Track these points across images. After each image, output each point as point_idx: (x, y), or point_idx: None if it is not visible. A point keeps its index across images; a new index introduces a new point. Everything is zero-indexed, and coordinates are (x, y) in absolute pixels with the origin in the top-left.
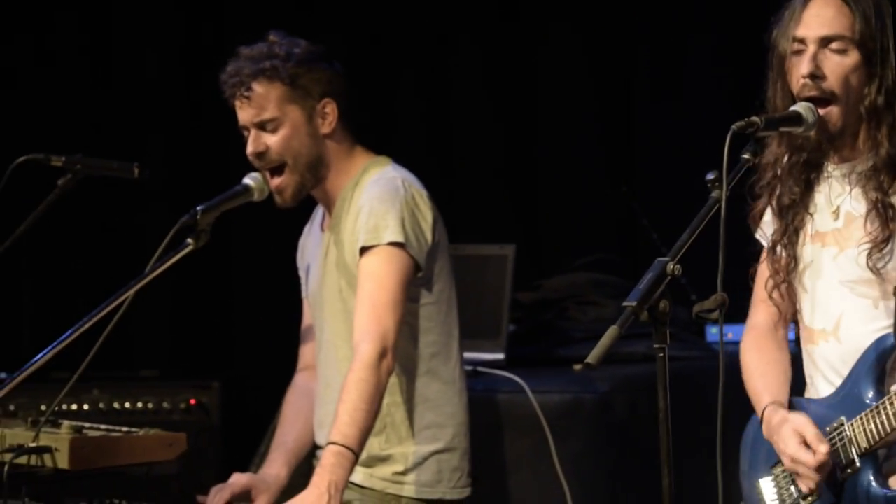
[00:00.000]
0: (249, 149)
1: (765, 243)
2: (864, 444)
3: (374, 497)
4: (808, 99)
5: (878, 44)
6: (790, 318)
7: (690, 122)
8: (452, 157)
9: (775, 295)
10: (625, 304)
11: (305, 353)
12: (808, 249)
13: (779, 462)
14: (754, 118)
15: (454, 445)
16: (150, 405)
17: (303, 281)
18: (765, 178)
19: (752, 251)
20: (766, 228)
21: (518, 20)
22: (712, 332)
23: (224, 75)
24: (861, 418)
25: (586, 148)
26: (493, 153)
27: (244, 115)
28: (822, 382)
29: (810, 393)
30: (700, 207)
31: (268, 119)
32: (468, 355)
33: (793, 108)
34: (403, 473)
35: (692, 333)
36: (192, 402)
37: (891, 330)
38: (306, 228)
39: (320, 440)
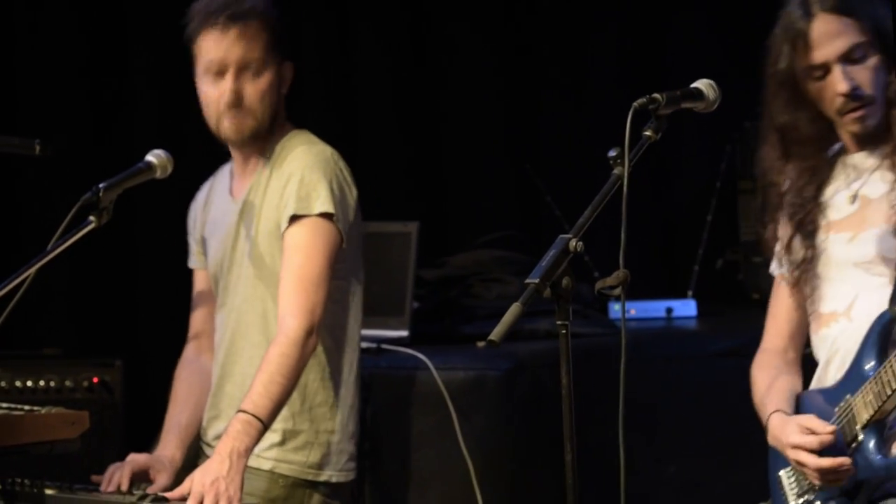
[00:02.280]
0: (226, 97)
1: (777, 272)
2: (864, 416)
3: (262, 477)
4: (851, 111)
5: (886, 32)
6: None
7: (593, 100)
8: (357, 134)
9: (803, 286)
10: (527, 280)
11: (196, 320)
12: (819, 241)
13: None
14: (655, 95)
15: (343, 427)
16: (52, 383)
17: (193, 249)
18: (771, 196)
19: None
20: (781, 257)
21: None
22: (615, 308)
23: (211, 6)
24: (862, 391)
25: (490, 125)
26: (397, 130)
27: (232, 51)
28: (834, 365)
29: (823, 376)
30: (602, 184)
31: (255, 59)
32: (372, 332)
33: (694, 84)
34: (292, 453)
35: (595, 310)
36: (95, 380)
37: None
38: (202, 196)
39: (213, 407)
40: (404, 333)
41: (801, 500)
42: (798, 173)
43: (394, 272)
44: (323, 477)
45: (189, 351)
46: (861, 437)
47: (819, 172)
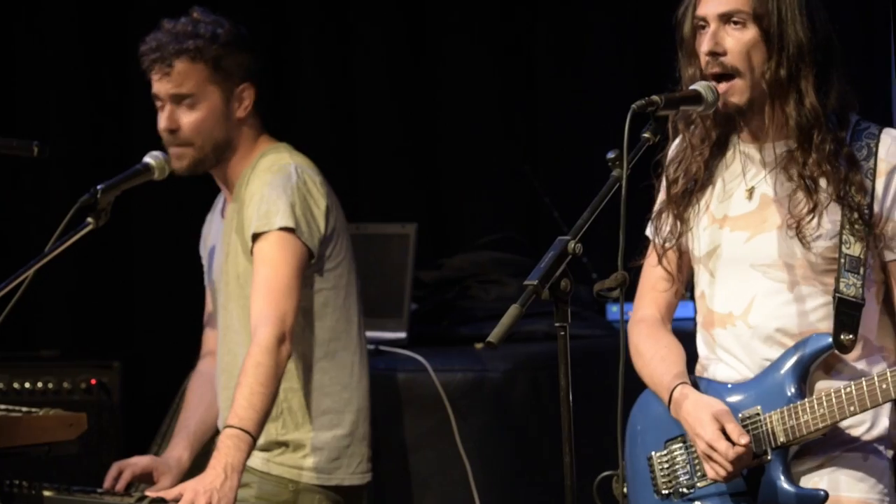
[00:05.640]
0: (162, 124)
1: (653, 238)
2: (780, 439)
3: (272, 482)
4: (712, 76)
5: (777, 16)
6: (678, 297)
7: (591, 101)
8: (355, 136)
9: (668, 257)
10: (526, 282)
11: (208, 339)
12: (710, 232)
13: (676, 438)
14: (654, 97)
15: (352, 431)
16: (50, 385)
17: (205, 268)
18: (674, 161)
19: (641, 245)
20: (659, 222)
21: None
22: (613, 310)
23: (144, 47)
24: (781, 412)
25: (488, 126)
26: (395, 132)
27: (161, 87)
28: (721, 366)
29: (712, 374)
30: (601, 186)
31: (185, 94)
32: (370, 334)
33: (692, 86)
34: (301, 459)
35: (593, 312)
36: (93, 381)
37: (828, 331)
38: (209, 217)
39: (221, 424)
40: (402, 335)
41: (670, 491)
42: (692, 144)
43: (392, 274)
44: (334, 481)
45: (203, 365)
46: (769, 456)
47: (712, 149)
